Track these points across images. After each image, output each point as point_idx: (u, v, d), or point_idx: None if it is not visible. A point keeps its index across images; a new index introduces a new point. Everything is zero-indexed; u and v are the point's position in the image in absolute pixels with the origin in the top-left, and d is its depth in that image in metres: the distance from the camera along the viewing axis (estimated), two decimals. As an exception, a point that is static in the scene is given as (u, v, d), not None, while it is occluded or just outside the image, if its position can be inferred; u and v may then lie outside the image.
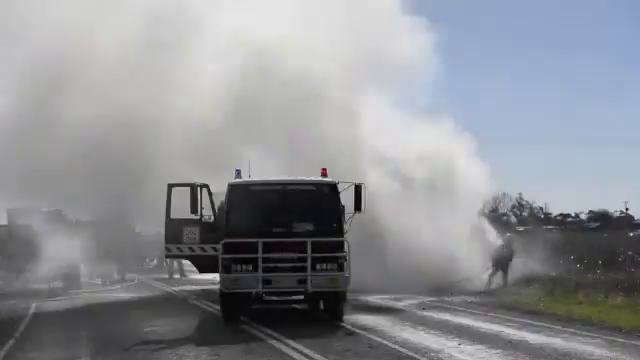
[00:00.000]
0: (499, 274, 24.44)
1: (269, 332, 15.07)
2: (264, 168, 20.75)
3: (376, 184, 22.23)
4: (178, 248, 18.87)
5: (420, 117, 27.50)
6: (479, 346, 13.40)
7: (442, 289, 22.77)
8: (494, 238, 26.63)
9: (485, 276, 24.27)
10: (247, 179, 17.53)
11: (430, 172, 26.07)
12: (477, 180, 27.14)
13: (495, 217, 41.42)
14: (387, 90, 28.43)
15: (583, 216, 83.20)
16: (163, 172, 23.80)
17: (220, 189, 18.16)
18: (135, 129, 25.02)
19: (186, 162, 24.93)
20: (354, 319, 17.06)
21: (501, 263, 24.45)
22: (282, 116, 25.38)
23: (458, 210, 25.74)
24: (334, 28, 26.83)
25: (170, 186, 18.99)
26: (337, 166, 19.56)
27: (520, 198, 75.56)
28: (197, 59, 26.20)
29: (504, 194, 66.98)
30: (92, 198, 26.46)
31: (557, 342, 13.67)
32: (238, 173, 17.60)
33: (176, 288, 27.54)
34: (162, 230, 19.77)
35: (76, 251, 27.96)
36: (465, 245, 25.05)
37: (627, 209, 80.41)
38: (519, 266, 24.67)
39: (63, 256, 26.81)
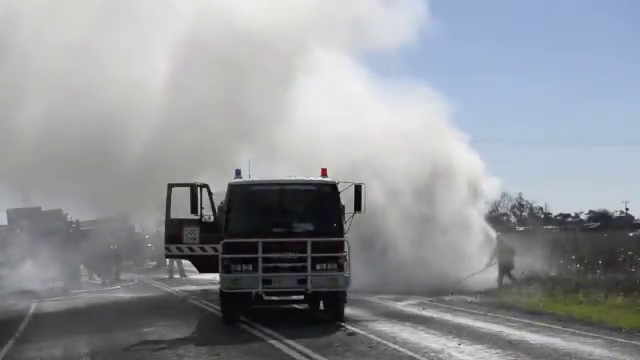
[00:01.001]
0: (504, 275, 24.41)
1: (269, 332, 15.06)
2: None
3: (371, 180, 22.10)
4: (178, 248, 18.84)
5: (419, 115, 27.46)
6: (479, 346, 13.39)
7: (442, 289, 22.74)
8: (491, 238, 26.60)
9: (488, 276, 24.21)
10: (247, 179, 17.55)
11: (429, 171, 26.01)
12: (477, 179, 27.11)
13: (495, 217, 41.39)
14: (384, 86, 28.47)
15: (583, 216, 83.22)
16: (154, 161, 23.66)
17: (220, 189, 18.16)
18: (114, 117, 24.49)
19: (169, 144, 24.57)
20: (354, 319, 17.04)
21: (503, 264, 24.39)
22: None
23: (457, 210, 25.73)
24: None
25: (170, 186, 18.95)
26: (330, 163, 19.35)
27: (520, 198, 75.41)
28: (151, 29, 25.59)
29: (504, 194, 66.87)
30: (90, 197, 26.37)
31: (557, 342, 13.66)
32: (238, 173, 17.61)
33: (176, 288, 27.53)
34: (162, 230, 19.76)
35: (76, 251, 28.01)
36: (465, 245, 25.04)
37: (627, 209, 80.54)
38: (518, 266, 24.60)
39: (63, 256, 26.83)
